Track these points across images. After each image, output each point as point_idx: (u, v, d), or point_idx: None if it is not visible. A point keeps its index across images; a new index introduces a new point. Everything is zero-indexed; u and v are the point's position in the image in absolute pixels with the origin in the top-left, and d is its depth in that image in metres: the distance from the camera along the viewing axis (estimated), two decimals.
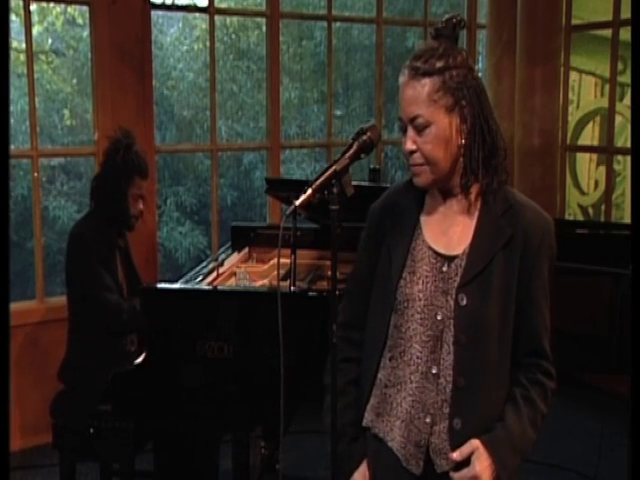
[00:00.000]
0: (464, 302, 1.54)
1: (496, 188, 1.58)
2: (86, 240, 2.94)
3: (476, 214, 1.59)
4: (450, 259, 1.59)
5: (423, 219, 1.65)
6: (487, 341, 1.54)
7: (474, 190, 1.59)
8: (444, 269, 1.59)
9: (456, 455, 1.52)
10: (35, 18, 6.72)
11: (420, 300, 1.59)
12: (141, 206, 3.06)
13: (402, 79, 1.56)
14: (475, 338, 1.54)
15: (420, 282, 1.59)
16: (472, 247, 1.57)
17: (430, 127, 1.53)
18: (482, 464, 1.50)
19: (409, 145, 1.55)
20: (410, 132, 1.55)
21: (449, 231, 1.61)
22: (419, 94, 1.52)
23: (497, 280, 1.54)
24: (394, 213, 1.69)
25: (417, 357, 1.59)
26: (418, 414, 1.58)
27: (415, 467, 1.59)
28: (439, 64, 1.52)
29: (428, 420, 1.57)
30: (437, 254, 1.60)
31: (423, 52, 1.55)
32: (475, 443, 1.52)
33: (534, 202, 1.64)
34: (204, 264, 3.14)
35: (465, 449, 1.52)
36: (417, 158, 1.56)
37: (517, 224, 1.56)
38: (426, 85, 1.52)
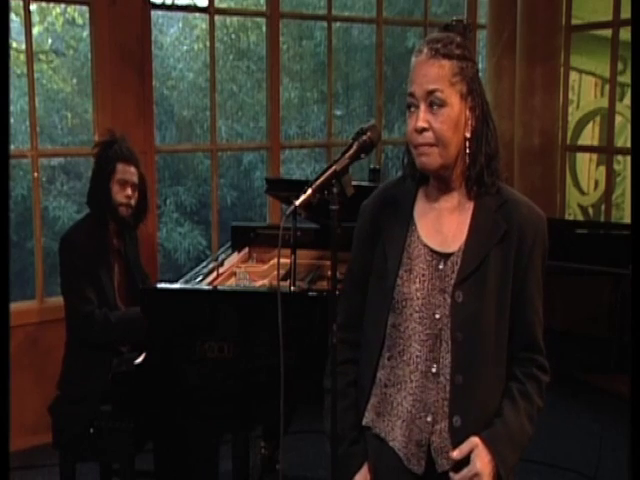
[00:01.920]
0: (460, 299, 1.54)
1: (493, 187, 1.58)
2: (71, 246, 2.90)
3: (470, 210, 1.59)
4: (446, 257, 1.58)
5: (417, 215, 1.64)
6: (484, 337, 1.54)
7: (472, 188, 1.58)
8: (440, 267, 1.58)
9: (456, 454, 1.52)
10: (35, 18, 6.71)
11: (418, 299, 1.58)
12: (129, 192, 2.97)
13: (419, 57, 1.54)
14: (472, 335, 1.54)
15: (417, 281, 1.59)
16: (467, 244, 1.57)
17: (446, 107, 1.52)
18: (482, 461, 1.50)
19: (421, 122, 1.53)
20: (423, 110, 1.53)
21: (444, 228, 1.61)
22: (440, 73, 1.52)
23: (493, 276, 1.54)
24: (387, 210, 1.67)
25: (417, 356, 1.58)
26: (419, 413, 1.58)
27: (417, 467, 1.59)
28: (458, 51, 1.53)
29: (429, 419, 1.57)
30: (433, 252, 1.60)
31: (441, 37, 1.55)
32: (474, 441, 1.52)
33: (528, 199, 1.64)
34: (204, 264, 3.13)
35: (465, 447, 1.52)
36: (428, 137, 1.53)
37: (512, 219, 1.57)
38: (446, 66, 1.52)
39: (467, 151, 1.56)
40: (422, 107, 1.53)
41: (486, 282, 1.54)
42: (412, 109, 1.55)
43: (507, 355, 1.58)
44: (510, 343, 1.58)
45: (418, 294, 1.58)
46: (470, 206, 1.59)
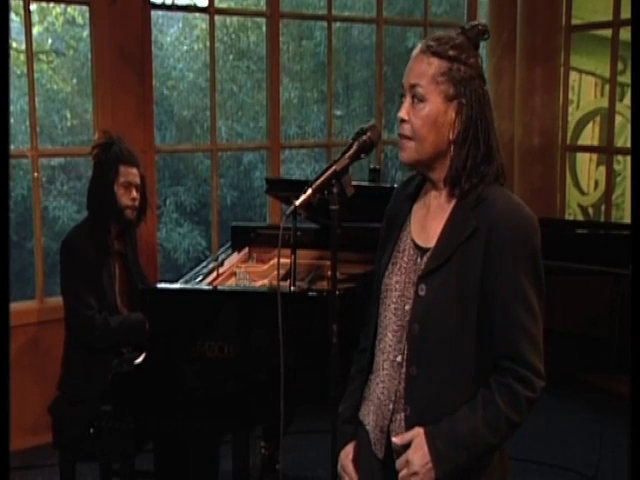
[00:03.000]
0: (423, 293, 1.55)
1: (473, 190, 1.56)
2: (72, 250, 2.90)
3: (450, 209, 1.59)
4: (424, 251, 1.60)
5: (413, 211, 1.67)
6: (441, 333, 1.53)
7: (453, 189, 1.58)
8: (418, 261, 1.60)
9: (397, 440, 1.54)
10: (35, 18, 6.72)
11: (396, 291, 1.62)
12: (134, 194, 2.97)
13: (415, 51, 1.58)
14: (428, 329, 1.54)
15: (398, 273, 1.62)
16: (438, 240, 1.57)
17: (425, 103, 1.53)
18: (417, 452, 1.50)
19: (402, 113, 1.57)
20: (407, 102, 1.57)
21: (428, 224, 1.62)
22: (425, 69, 1.54)
23: (457, 272, 1.52)
24: (395, 208, 1.72)
25: (389, 345, 1.62)
26: (385, 400, 1.62)
27: (379, 451, 1.64)
28: (451, 52, 1.54)
29: (391, 407, 1.60)
30: (416, 246, 1.62)
31: (441, 36, 1.58)
32: (417, 431, 1.52)
33: (519, 200, 1.57)
34: (204, 264, 3.13)
35: (406, 436, 1.53)
36: (406, 130, 1.56)
37: (485, 217, 1.52)
38: (433, 64, 1.53)
39: (451, 154, 1.56)
40: (407, 99, 1.57)
41: (450, 278, 1.53)
42: (402, 99, 1.59)
43: (477, 358, 1.52)
44: (487, 348, 1.52)
45: (397, 286, 1.62)
46: (451, 205, 1.59)
